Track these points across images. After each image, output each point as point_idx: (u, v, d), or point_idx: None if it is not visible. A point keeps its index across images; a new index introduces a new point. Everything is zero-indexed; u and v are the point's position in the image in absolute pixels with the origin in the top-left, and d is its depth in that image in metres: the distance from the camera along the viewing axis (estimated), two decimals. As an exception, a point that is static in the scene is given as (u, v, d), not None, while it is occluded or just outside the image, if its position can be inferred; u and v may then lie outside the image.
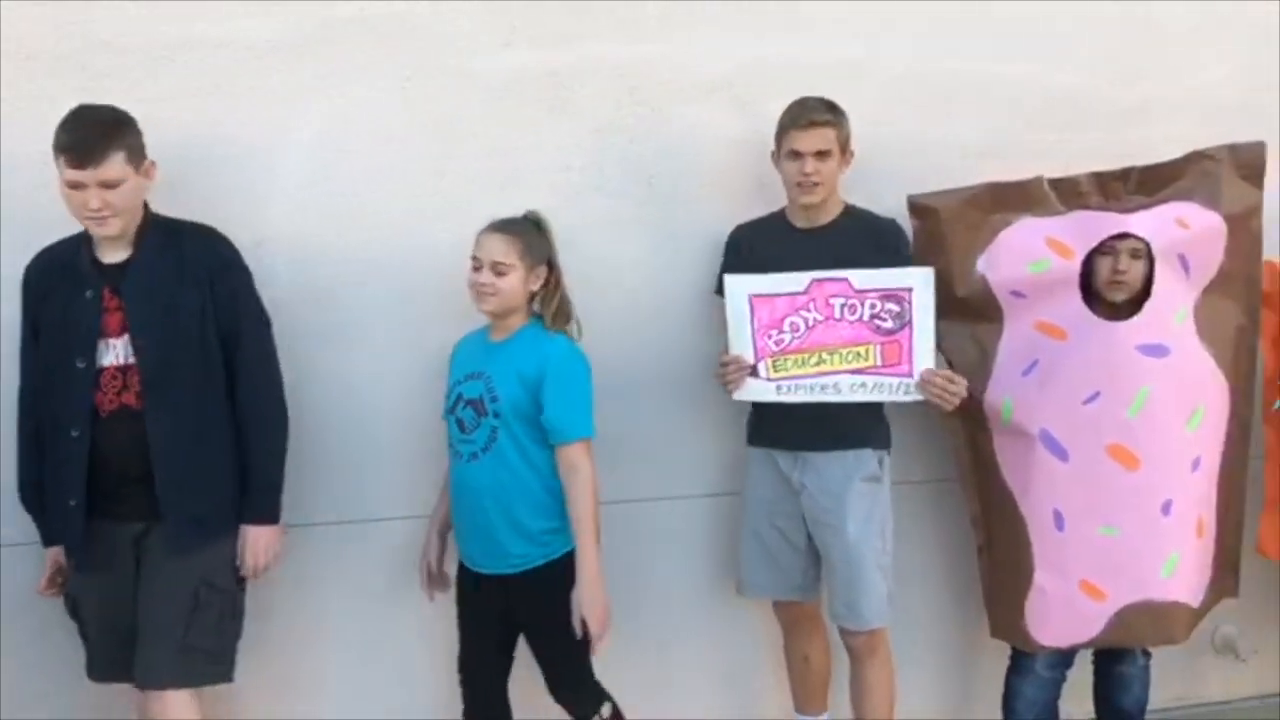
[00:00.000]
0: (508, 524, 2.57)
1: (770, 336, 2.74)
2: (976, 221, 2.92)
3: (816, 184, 2.78)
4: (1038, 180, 2.97)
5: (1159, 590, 2.84)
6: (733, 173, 3.08)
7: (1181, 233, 2.87)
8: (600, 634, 2.52)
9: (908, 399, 2.73)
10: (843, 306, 2.70)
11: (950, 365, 2.95)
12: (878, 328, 2.70)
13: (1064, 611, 2.88)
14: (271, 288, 2.70)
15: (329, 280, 2.88)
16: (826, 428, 2.80)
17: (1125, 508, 2.80)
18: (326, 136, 2.85)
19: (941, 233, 2.92)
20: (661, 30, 3.00)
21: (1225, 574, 3.10)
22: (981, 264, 2.92)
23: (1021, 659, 3.04)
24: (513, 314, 2.63)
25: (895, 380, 2.72)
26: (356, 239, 2.88)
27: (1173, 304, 2.88)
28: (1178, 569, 2.86)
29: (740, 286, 2.74)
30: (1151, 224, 2.85)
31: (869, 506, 2.84)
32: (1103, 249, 2.85)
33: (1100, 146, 3.27)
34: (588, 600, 2.51)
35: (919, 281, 2.66)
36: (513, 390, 2.55)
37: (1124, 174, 3.02)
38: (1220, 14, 3.40)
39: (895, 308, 2.67)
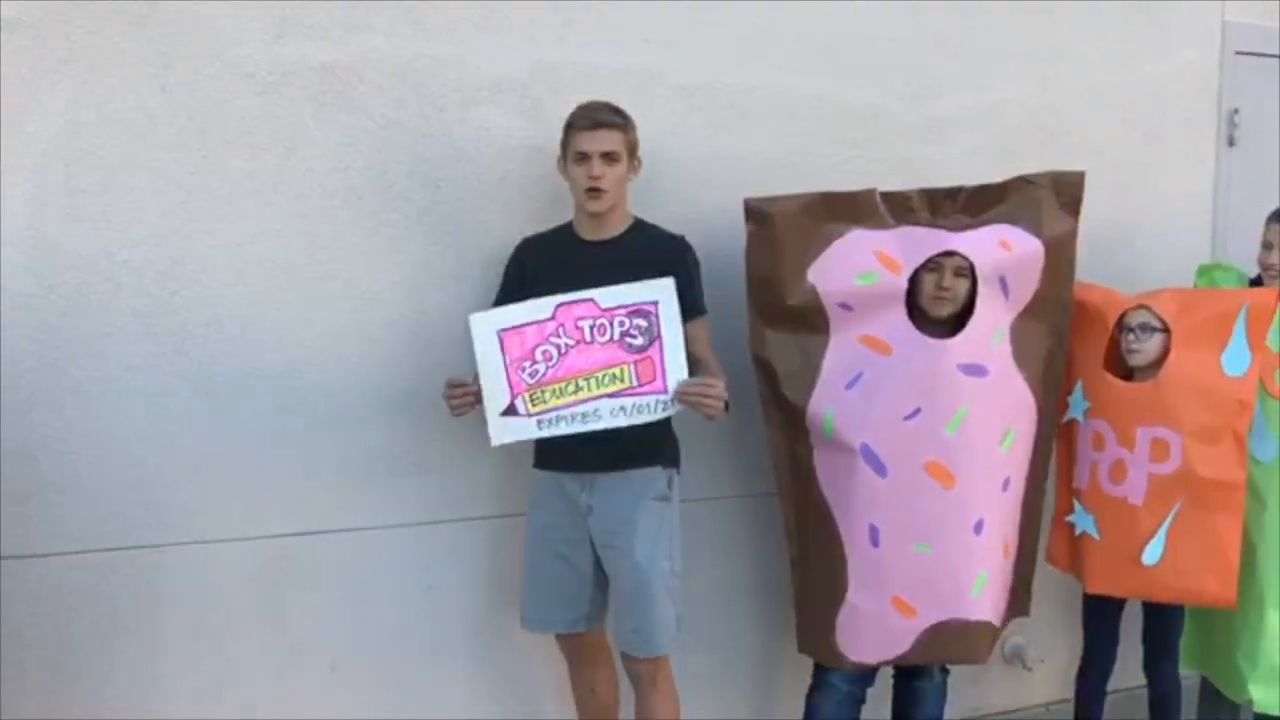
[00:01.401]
0: None
1: (524, 370, 2.61)
2: (810, 230, 2.86)
3: (603, 190, 2.67)
4: (870, 193, 2.93)
5: (968, 609, 2.83)
6: (526, 179, 2.93)
7: (1004, 255, 2.89)
8: None
9: (667, 414, 2.64)
10: (592, 328, 2.60)
11: (775, 374, 2.90)
12: (629, 346, 2.60)
13: (875, 628, 2.85)
14: (9, 292, 2.45)
15: (74, 286, 2.59)
16: (615, 448, 2.67)
17: (940, 526, 2.79)
18: (72, 128, 2.57)
19: (775, 238, 2.85)
20: (450, 27, 2.84)
21: (1021, 595, 3.14)
22: (813, 273, 2.86)
23: (824, 675, 3.00)
24: None
25: (653, 399, 2.62)
26: (106, 241, 2.61)
27: (992, 325, 2.90)
28: (986, 588, 2.86)
29: (486, 324, 2.60)
30: (976, 244, 2.86)
31: (657, 527, 2.74)
32: (929, 265, 2.84)
33: (895, 162, 3.31)
34: None
35: (662, 294, 2.59)
36: None
37: (953, 193, 3.02)
38: (1010, 36, 3.47)
39: (643, 323, 2.59)
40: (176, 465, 2.71)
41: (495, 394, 2.60)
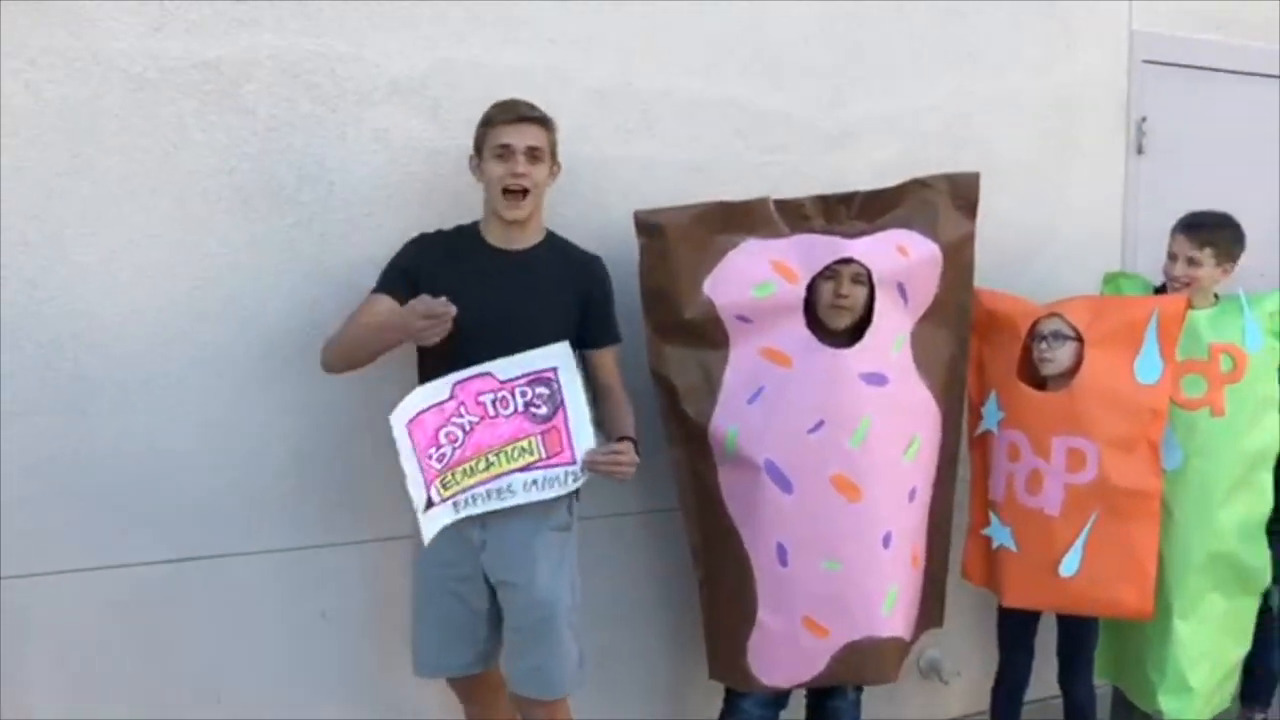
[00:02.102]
0: None
1: (431, 457, 2.46)
2: (703, 241, 2.79)
3: (525, 191, 2.51)
4: (763, 201, 2.87)
5: (880, 626, 2.78)
6: (424, 182, 2.80)
7: (901, 260, 2.85)
8: None
9: (577, 485, 2.53)
10: (494, 402, 2.48)
11: (674, 390, 2.82)
12: (534, 416, 2.50)
13: (787, 650, 2.78)
14: None
15: (-71, 299, 2.42)
16: None
17: (848, 541, 2.73)
18: (-75, 125, 2.39)
19: (669, 251, 2.76)
20: (343, 22, 2.70)
21: (933, 605, 3.11)
22: (709, 286, 2.78)
23: (735, 700, 2.93)
24: None
25: (562, 471, 2.51)
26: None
27: (891, 332, 2.85)
28: (897, 603, 2.82)
29: (399, 421, 2.43)
30: (872, 250, 2.81)
31: (559, 559, 2.59)
32: (825, 273, 2.78)
33: (809, 168, 3.25)
34: None
35: (560, 359, 2.49)
36: None
37: (847, 198, 2.98)
38: (924, 41, 3.43)
39: (545, 391, 2.49)
40: (44, 488, 2.53)
41: (416, 490, 2.45)
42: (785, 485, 2.72)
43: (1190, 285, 3.14)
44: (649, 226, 2.78)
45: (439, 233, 2.66)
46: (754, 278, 2.78)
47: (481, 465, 2.48)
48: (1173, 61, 3.84)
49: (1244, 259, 3.21)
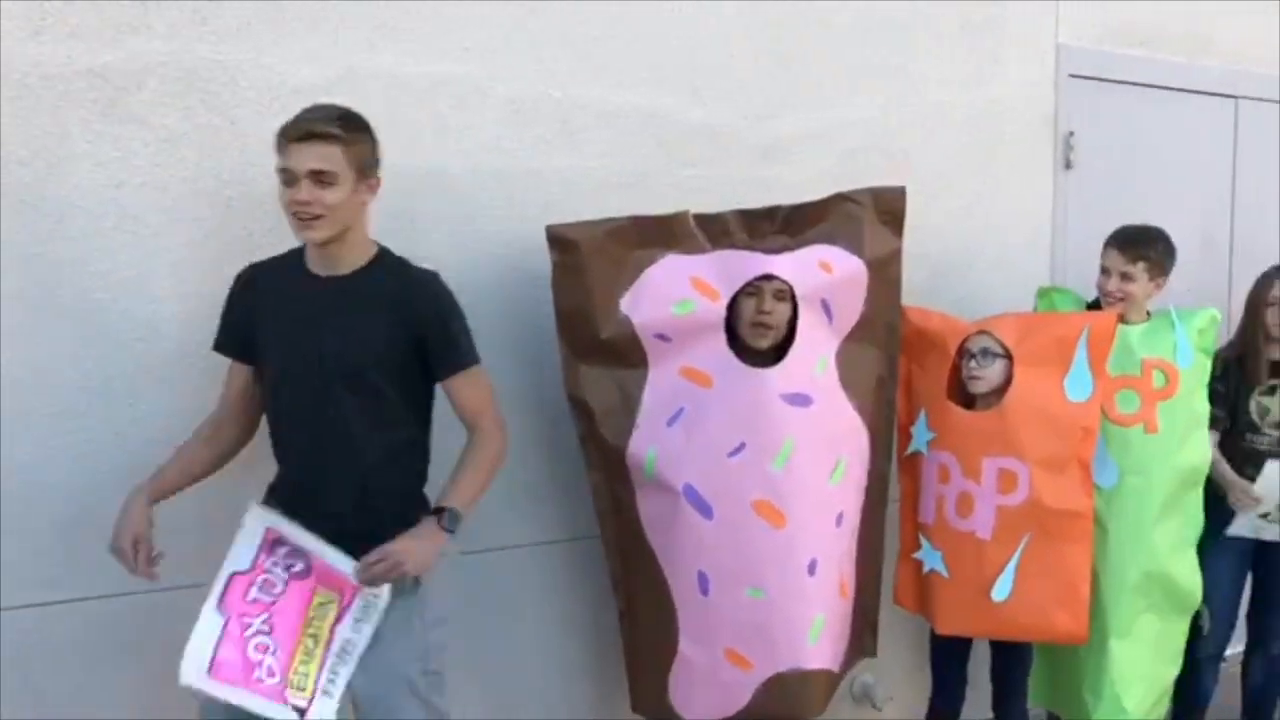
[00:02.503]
0: None
1: (255, 675, 2.21)
2: (620, 257, 2.68)
3: (317, 216, 2.20)
4: (683, 215, 2.77)
5: (806, 657, 2.68)
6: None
7: (824, 276, 2.76)
8: None
9: (387, 600, 2.27)
10: (260, 588, 2.26)
11: (591, 413, 2.71)
12: (300, 574, 2.28)
13: (709, 683, 2.69)
14: None
15: None
16: (340, 525, 2.27)
17: (771, 568, 2.63)
18: None
19: (583, 267, 2.65)
20: (242, 29, 2.56)
21: (864, 634, 3.02)
22: (625, 304, 2.67)
23: None
24: None
25: (361, 602, 2.28)
26: None
27: (815, 351, 2.76)
28: (824, 633, 2.71)
29: (195, 677, 2.17)
30: (795, 266, 2.73)
31: (402, 622, 2.30)
32: (747, 290, 2.69)
33: (736, 182, 3.16)
34: None
35: (262, 519, 2.28)
36: None
37: (770, 213, 2.89)
38: (852, 54, 3.37)
39: (283, 548, 2.28)
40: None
41: (278, 712, 2.21)
42: (705, 510, 2.61)
43: (1124, 300, 3.11)
44: (562, 241, 2.66)
45: (262, 265, 2.42)
46: (673, 295, 2.67)
47: (310, 645, 2.27)
48: (1099, 76, 3.83)
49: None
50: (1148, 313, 3.18)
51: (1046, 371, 2.96)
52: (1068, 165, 3.80)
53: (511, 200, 2.86)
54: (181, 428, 2.45)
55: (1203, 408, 3.16)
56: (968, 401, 3.02)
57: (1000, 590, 2.94)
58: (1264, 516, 3.26)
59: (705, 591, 2.64)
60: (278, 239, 2.58)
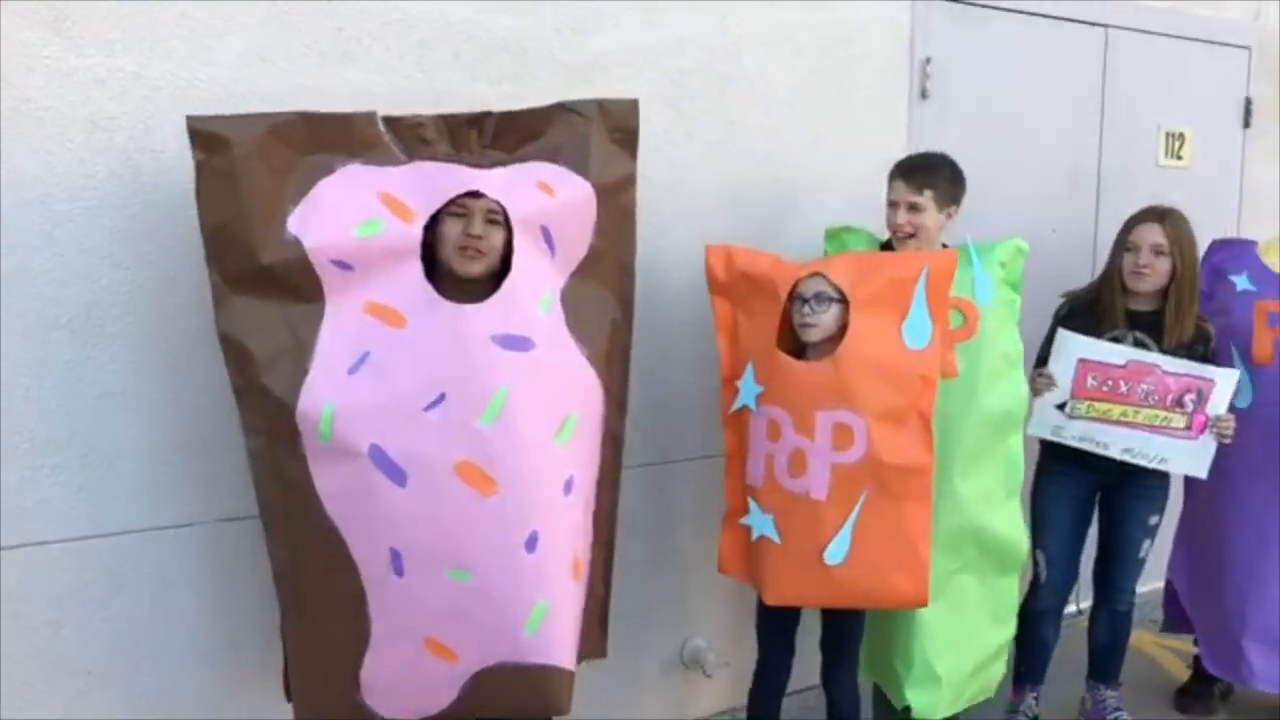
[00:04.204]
0: None
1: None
2: (286, 163, 2.23)
3: None
4: (369, 116, 2.34)
5: (524, 650, 2.27)
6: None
7: (544, 199, 2.37)
8: None
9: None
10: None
11: (250, 357, 2.24)
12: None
13: (408, 676, 2.32)
14: None
15: None
16: None
17: (478, 545, 2.24)
18: None
19: (235, 173, 2.17)
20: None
21: (594, 630, 2.63)
22: (294, 222, 2.23)
23: None
24: None
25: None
26: None
27: (537, 287, 2.36)
28: (547, 621, 2.29)
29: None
30: (508, 184, 2.34)
31: None
32: (451, 210, 2.30)
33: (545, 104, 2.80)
34: None
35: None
36: None
37: (478, 120, 2.49)
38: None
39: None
40: None
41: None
42: (398, 476, 2.20)
43: (915, 235, 2.89)
44: (207, 138, 2.16)
45: None
46: (356, 213, 2.25)
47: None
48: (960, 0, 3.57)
49: (1031, 211, 2.97)
50: (943, 246, 2.95)
51: (884, 317, 2.71)
52: (924, 95, 3.55)
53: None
54: None
55: (1013, 348, 2.95)
56: (799, 351, 2.75)
57: (834, 553, 2.70)
58: (1060, 408, 3.16)
59: (400, 572, 2.24)
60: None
